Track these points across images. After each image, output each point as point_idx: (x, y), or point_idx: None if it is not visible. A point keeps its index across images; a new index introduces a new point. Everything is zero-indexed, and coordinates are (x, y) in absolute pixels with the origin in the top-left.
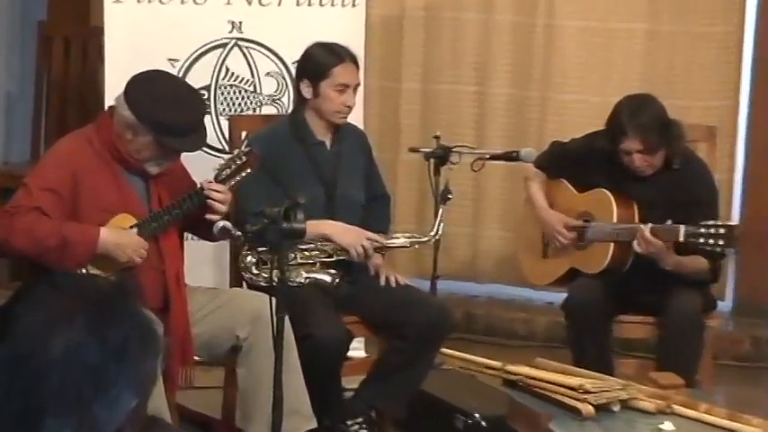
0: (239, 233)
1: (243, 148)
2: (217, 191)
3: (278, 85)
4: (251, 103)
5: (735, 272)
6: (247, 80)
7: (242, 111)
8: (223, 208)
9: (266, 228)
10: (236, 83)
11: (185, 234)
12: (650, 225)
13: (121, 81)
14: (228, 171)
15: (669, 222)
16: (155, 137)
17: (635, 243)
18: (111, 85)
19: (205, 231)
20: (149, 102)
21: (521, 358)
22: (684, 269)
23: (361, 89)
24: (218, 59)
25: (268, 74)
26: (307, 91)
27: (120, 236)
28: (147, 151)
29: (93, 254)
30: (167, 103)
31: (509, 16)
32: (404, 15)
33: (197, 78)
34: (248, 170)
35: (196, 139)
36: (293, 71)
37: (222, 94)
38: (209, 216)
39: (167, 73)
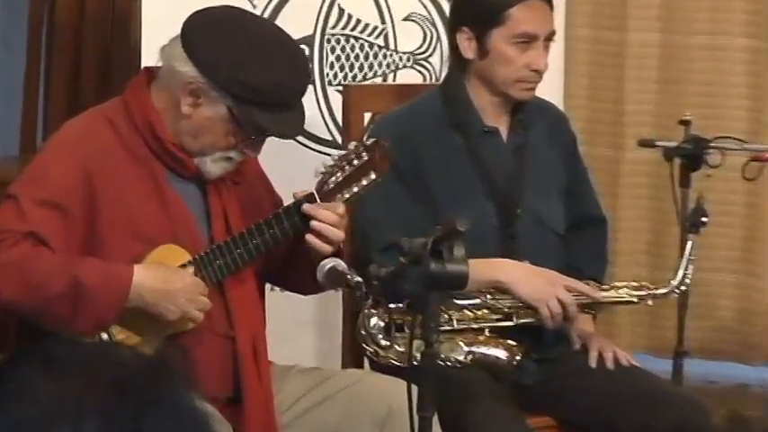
0: (358, 279)
1: (365, 139)
2: (322, 209)
3: (424, 36)
4: (379, 65)
5: None
6: (374, 28)
7: (364, 78)
8: (335, 234)
9: (403, 271)
10: (354, 32)
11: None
12: None
13: (168, 29)
14: (341, 177)
15: None
16: (231, 107)
17: None
18: (151, 35)
19: (301, 277)
20: (223, 49)
21: None
22: None
23: (558, 44)
24: None
25: (408, 18)
26: (468, 46)
27: (167, 278)
28: (212, 134)
29: (121, 307)
30: (251, 53)
31: None
32: None
33: (291, 25)
34: (373, 176)
35: (294, 118)
36: (448, 15)
37: (333, 50)
38: (309, 240)
39: (245, 11)
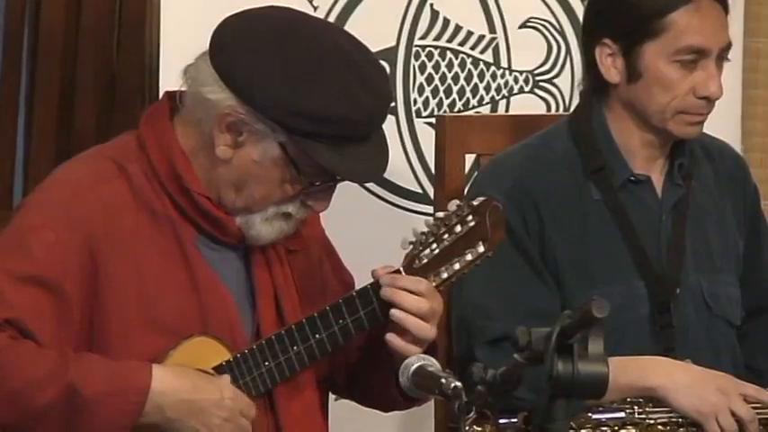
0: (456, 384)
1: (470, 195)
2: (410, 292)
3: (548, 49)
4: (486, 89)
5: None
6: (479, 38)
7: (465, 107)
8: (419, 329)
9: (519, 373)
10: (452, 44)
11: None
12: None
13: (198, 37)
14: (437, 249)
15: None
16: (284, 143)
17: None
18: (173, 45)
19: (380, 387)
20: (268, 65)
21: None
22: None
23: (735, 62)
24: None
25: (526, 24)
26: (611, 65)
27: (196, 386)
28: (261, 183)
29: (133, 423)
30: (308, 69)
31: None
32: None
33: (364, 34)
34: (482, 248)
35: (371, 153)
36: (581, 21)
37: (422, 68)
38: (390, 341)
39: (298, 13)
